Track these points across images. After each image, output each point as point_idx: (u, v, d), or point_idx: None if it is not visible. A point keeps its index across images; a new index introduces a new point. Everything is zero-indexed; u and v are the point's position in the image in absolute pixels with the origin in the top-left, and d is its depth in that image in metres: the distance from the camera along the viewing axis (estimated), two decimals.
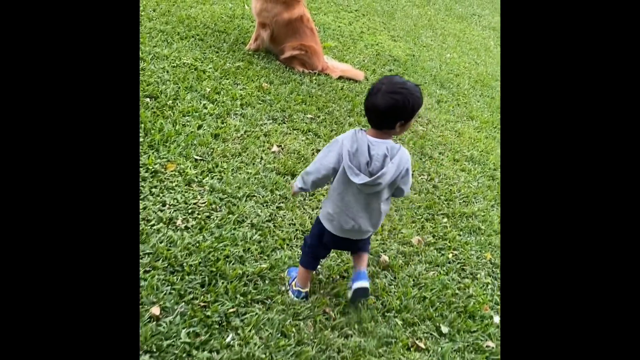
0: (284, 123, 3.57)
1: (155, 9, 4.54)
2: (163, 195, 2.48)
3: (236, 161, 2.95)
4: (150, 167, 2.61)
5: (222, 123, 3.26)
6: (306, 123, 3.66)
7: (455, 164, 3.90)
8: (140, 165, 2.60)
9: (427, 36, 6.85)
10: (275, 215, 2.66)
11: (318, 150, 3.38)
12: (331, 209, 1.93)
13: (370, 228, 1.94)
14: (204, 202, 2.54)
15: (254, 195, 2.72)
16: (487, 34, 8.26)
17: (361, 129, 1.84)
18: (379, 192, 1.83)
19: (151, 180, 2.54)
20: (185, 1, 4.95)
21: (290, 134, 3.46)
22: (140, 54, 3.66)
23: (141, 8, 4.43)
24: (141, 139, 2.79)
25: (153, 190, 2.49)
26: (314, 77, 4.45)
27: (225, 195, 2.64)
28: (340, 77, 4.63)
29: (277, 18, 4.31)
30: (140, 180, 2.49)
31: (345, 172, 1.80)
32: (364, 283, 2.08)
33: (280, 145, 3.27)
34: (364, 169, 1.78)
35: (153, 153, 2.72)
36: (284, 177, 2.98)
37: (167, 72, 3.57)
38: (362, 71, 4.88)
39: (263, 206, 2.69)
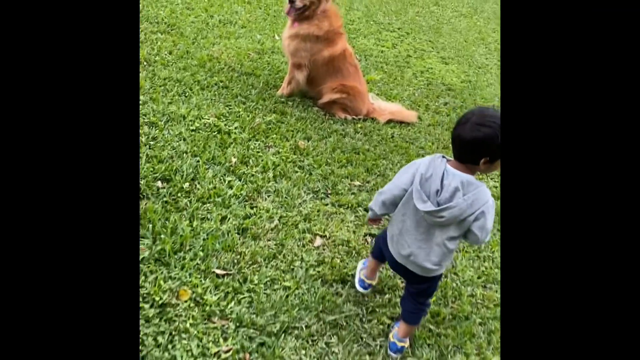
0: (327, 197, 2.87)
1: (171, 50, 3.92)
2: (173, 348, 1.82)
3: (270, 268, 2.27)
4: (157, 299, 1.96)
5: (252, 208, 2.59)
6: (354, 194, 2.96)
7: None
8: (142, 299, 1.94)
9: (480, 54, 6.03)
10: (325, 356, 1.97)
11: (372, 235, 2.67)
12: (392, 230, 1.90)
13: (429, 265, 1.80)
14: (229, 350, 1.87)
15: (295, 328, 2.04)
16: None
17: (443, 156, 1.72)
18: (444, 227, 1.71)
19: (157, 321, 1.89)
20: (207, 37, 4.32)
21: (335, 213, 2.76)
22: (152, 116, 3.04)
23: (155, 51, 3.82)
24: (147, 249, 2.14)
25: (159, 339, 1.83)
26: (359, 125, 3.73)
27: (257, 332, 1.97)
28: (389, 121, 3.91)
29: (316, 57, 3.62)
30: (141, 328, 1.84)
31: (412, 195, 1.74)
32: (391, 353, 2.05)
33: (325, 235, 2.58)
34: (433, 197, 1.69)
35: (161, 273, 2.07)
36: (333, 286, 2.28)
37: (184, 139, 2.93)
38: (413, 110, 4.13)
39: (308, 343, 2.00)
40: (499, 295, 2.52)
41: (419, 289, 1.96)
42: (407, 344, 2.07)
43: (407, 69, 4.96)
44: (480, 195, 1.65)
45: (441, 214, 1.66)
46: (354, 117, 3.80)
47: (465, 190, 1.64)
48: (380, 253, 2.08)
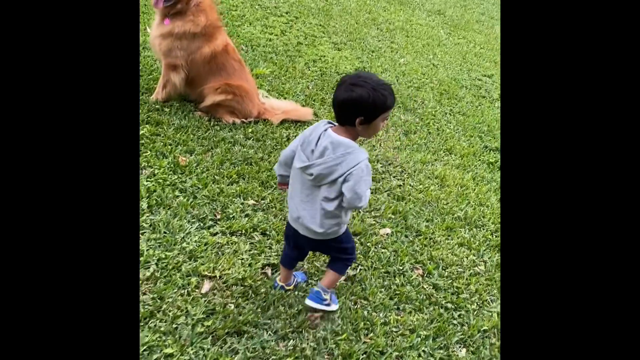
0: (216, 224, 2.47)
1: None
2: None
3: (147, 331, 1.85)
4: None
5: None
6: (248, 215, 2.59)
7: (450, 237, 2.96)
8: None
9: (372, 36, 5.83)
10: None
11: (273, 266, 2.33)
12: (289, 193, 1.95)
13: (314, 227, 1.86)
14: None
15: None
16: (434, 20, 7.36)
17: (329, 122, 1.80)
18: (321, 187, 1.79)
19: None
20: None
21: (227, 244, 2.37)
22: None
23: None
24: None
25: None
26: (250, 129, 3.34)
27: None
28: (283, 121, 3.55)
29: (195, 56, 3.14)
30: None
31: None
32: (308, 302, 2.09)
33: (214, 276, 2.19)
34: (309, 157, 1.77)
35: None
36: (226, 342, 1.91)
37: None
38: (308, 107, 3.80)
39: None
40: (413, 318, 2.30)
41: (314, 248, 2.11)
42: (329, 298, 2.12)
43: (299, 59, 4.61)
44: (351, 157, 1.70)
45: (309, 170, 1.75)
46: (243, 120, 3.39)
47: (335, 151, 1.71)
48: (286, 258, 2.15)
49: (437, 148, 3.90)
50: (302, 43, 4.99)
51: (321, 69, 4.57)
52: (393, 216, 2.99)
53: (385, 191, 3.19)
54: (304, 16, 5.68)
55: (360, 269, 2.51)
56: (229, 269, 2.23)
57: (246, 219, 2.56)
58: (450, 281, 2.63)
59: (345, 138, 1.72)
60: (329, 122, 1.80)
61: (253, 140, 3.23)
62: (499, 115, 4.83)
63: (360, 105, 1.65)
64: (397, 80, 4.86)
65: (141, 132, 2.90)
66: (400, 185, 3.31)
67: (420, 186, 3.35)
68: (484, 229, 3.11)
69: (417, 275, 2.61)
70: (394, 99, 1.73)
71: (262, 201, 2.73)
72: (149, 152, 2.77)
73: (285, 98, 3.85)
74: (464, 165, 3.79)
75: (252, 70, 4.05)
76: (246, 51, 4.40)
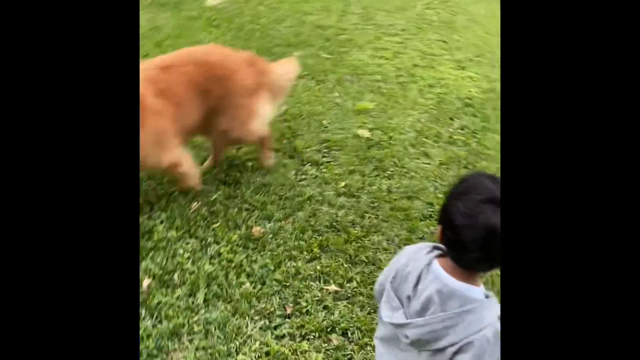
0: (285, 322, 1.99)
1: None
2: None
3: None
4: None
5: None
6: (326, 308, 2.06)
7: None
8: None
9: None
10: None
11: None
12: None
13: None
14: None
15: None
16: None
17: (436, 247, 1.24)
18: (417, 353, 1.21)
19: None
20: None
21: (294, 355, 1.87)
22: None
23: None
24: None
25: None
26: (344, 182, 2.81)
27: None
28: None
29: None
30: None
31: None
32: None
33: None
34: (406, 305, 1.21)
35: None
36: None
37: None
38: (416, 143, 3.16)
39: None
40: None
41: None
42: None
43: (412, 85, 3.97)
44: (472, 318, 1.13)
45: (404, 331, 1.19)
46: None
47: (444, 305, 1.15)
48: None
49: None
50: (418, 65, 4.33)
51: (439, 95, 3.87)
52: None
53: None
54: (423, 31, 5.01)
55: None
56: None
57: (324, 313, 2.04)
58: None
59: (461, 283, 1.16)
60: (435, 247, 1.24)
61: (344, 196, 2.70)
62: None
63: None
64: None
65: (214, 196, 2.54)
66: None
67: None
68: None
69: None
70: None
71: (347, 285, 2.18)
72: (219, 222, 2.40)
73: (390, 137, 3.26)
74: None
75: (354, 106, 3.53)
76: (352, 82, 3.90)
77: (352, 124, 3.34)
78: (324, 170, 2.87)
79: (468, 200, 1.10)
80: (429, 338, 1.16)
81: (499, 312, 1.14)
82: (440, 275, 1.17)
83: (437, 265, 1.19)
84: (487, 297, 1.16)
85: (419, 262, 1.22)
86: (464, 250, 1.11)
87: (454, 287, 1.15)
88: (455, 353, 1.14)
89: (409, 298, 1.21)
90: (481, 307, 1.14)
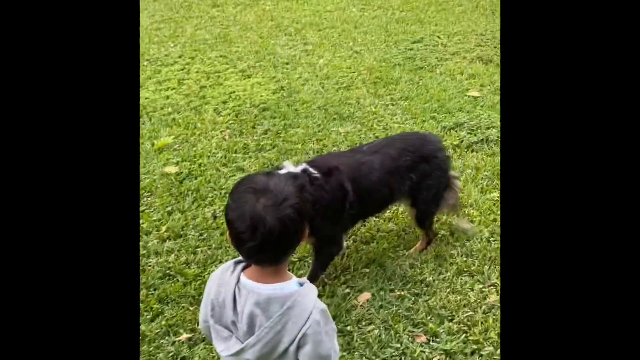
0: None
1: None
2: None
3: None
4: None
5: None
6: (184, 359, 1.94)
7: (442, 268, 2.36)
8: None
9: (282, 45, 5.20)
10: None
11: None
12: None
13: None
14: None
15: None
16: (342, 0, 6.73)
17: (238, 261, 1.22)
18: None
19: None
20: None
21: None
22: None
23: None
24: None
25: None
26: (165, 224, 2.68)
27: None
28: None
29: None
30: None
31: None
32: None
33: None
34: (234, 330, 1.19)
35: None
36: None
37: None
38: (255, 160, 3.15)
39: None
40: None
41: None
42: None
43: (206, 106, 3.95)
44: (296, 311, 1.14)
45: (244, 356, 1.17)
46: None
47: (266, 313, 1.14)
48: None
49: None
50: (206, 85, 4.32)
51: (234, 108, 3.91)
52: (367, 270, 2.37)
53: (350, 237, 2.57)
54: (200, 52, 5.01)
55: None
56: None
57: None
58: (463, 336, 2.03)
59: (273, 285, 1.17)
60: (237, 262, 1.23)
61: (170, 240, 2.57)
62: (445, 83, 4.24)
63: (302, 222, 1.15)
64: (322, 88, 4.23)
65: None
66: (364, 223, 2.69)
67: (387, 212, 2.74)
68: (477, 240, 2.51)
69: (421, 346, 2.00)
70: None
71: (198, 327, 2.09)
72: None
73: (200, 164, 3.20)
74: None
75: (153, 146, 3.39)
76: (142, 123, 3.73)
77: (156, 165, 3.20)
78: (141, 221, 2.70)
79: (236, 193, 1.15)
80: (267, 350, 1.16)
81: (315, 292, 1.19)
82: (252, 287, 1.17)
83: (244, 279, 1.18)
84: (301, 285, 1.19)
85: (228, 286, 1.20)
86: (241, 243, 1.13)
87: (268, 293, 1.15)
88: (298, 348, 1.16)
89: (234, 323, 1.19)
90: (300, 297, 1.16)
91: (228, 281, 1.19)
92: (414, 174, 2.29)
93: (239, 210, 1.11)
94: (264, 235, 1.08)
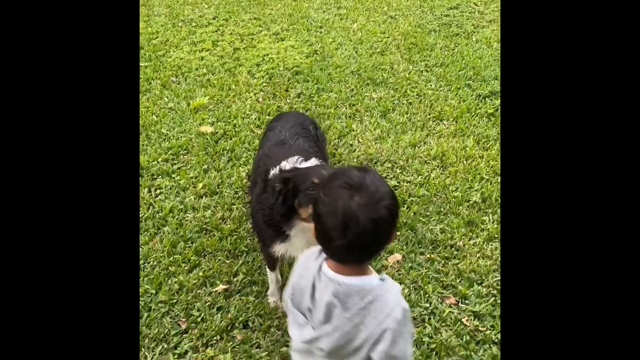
0: (183, 338, 1.93)
1: None
2: None
3: None
4: None
5: None
6: (220, 309, 2.04)
7: (473, 234, 2.38)
8: None
9: (316, 9, 5.14)
10: None
11: None
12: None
13: None
14: None
15: None
16: None
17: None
18: None
19: None
20: None
21: None
22: None
23: None
24: None
25: None
26: (201, 182, 2.75)
27: None
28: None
29: None
30: None
31: None
32: None
33: None
34: (310, 319, 1.17)
35: None
36: None
37: None
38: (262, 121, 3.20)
39: None
40: None
41: None
42: None
43: (240, 69, 3.97)
44: (377, 306, 1.10)
45: (317, 344, 1.15)
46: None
47: (345, 304, 1.11)
48: None
49: (424, 119, 3.28)
50: (240, 48, 4.33)
51: (268, 71, 3.93)
52: (398, 233, 2.41)
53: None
54: (234, 15, 5.00)
55: None
56: None
57: (219, 314, 2.01)
58: (492, 299, 2.06)
59: (354, 277, 1.13)
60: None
61: (207, 197, 2.65)
62: (481, 51, 4.16)
63: (394, 225, 1.11)
64: (356, 52, 4.20)
65: None
66: (396, 186, 2.71)
67: (419, 178, 2.76)
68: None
69: (450, 307, 2.04)
70: None
71: (235, 279, 2.17)
72: None
73: (234, 125, 3.25)
74: (461, 130, 3.16)
75: (189, 105, 3.45)
76: (178, 82, 3.78)
77: (192, 124, 3.26)
78: (178, 178, 2.78)
79: (329, 187, 1.09)
80: (343, 342, 1.13)
81: (399, 289, 1.15)
82: (333, 277, 1.14)
83: (326, 267, 1.16)
84: (382, 280, 1.15)
85: (309, 271, 1.19)
86: (329, 240, 1.08)
87: (349, 284, 1.12)
88: (373, 345, 1.12)
89: (309, 310, 1.18)
90: (381, 293, 1.12)
91: (310, 267, 1.19)
92: None
93: (332, 206, 1.05)
94: (354, 235, 1.03)
